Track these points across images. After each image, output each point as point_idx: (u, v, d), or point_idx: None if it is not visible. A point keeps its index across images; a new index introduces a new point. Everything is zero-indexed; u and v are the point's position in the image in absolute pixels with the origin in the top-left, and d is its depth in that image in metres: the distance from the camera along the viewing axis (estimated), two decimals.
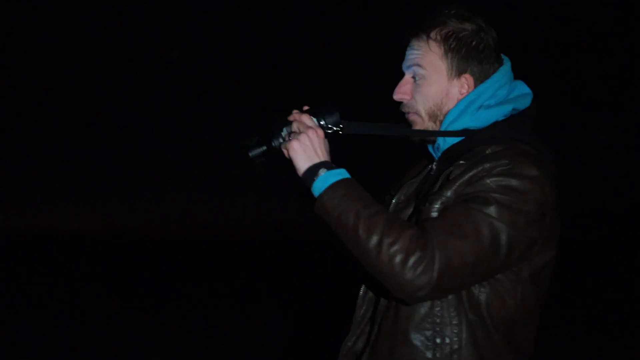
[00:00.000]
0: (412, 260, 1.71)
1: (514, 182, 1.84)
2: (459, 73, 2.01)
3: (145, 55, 14.57)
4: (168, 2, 14.47)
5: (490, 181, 1.84)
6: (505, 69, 2.07)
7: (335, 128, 2.08)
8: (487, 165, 1.86)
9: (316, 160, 1.93)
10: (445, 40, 1.99)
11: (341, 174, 1.90)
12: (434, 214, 1.83)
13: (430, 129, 2.04)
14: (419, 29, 2.02)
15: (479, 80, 2.02)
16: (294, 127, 1.99)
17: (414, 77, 2.03)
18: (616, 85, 13.75)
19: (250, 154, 2.12)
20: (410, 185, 2.18)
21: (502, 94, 2.05)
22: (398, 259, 1.72)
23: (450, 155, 2.02)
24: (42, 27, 14.16)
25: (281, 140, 2.05)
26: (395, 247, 1.73)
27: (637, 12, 13.44)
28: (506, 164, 1.86)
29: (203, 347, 6.90)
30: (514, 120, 2.03)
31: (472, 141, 2.00)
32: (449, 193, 1.86)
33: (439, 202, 1.85)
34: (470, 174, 1.86)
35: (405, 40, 2.08)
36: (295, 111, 2.03)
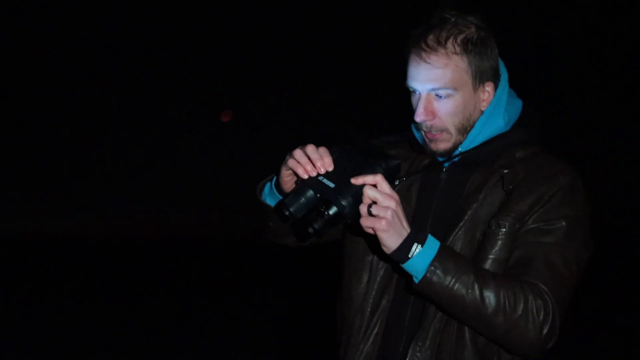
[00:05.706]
0: (545, 329, 1.79)
1: (578, 200, 1.92)
2: (482, 82, 1.95)
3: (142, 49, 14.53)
4: None
5: (557, 203, 1.88)
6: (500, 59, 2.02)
7: (398, 181, 1.84)
8: (547, 186, 1.89)
9: (404, 233, 1.75)
10: (464, 51, 1.89)
11: (433, 245, 1.79)
12: (501, 241, 1.88)
13: (459, 142, 1.98)
14: (434, 42, 1.88)
15: (496, 82, 1.99)
16: (371, 196, 1.72)
17: (437, 95, 1.91)
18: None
19: (314, 227, 1.73)
20: (411, 193, 2.08)
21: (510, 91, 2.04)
22: (531, 328, 1.78)
23: (471, 160, 2.00)
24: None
25: (348, 210, 1.72)
26: (524, 318, 1.77)
27: (638, 12, 13.47)
28: (563, 180, 1.90)
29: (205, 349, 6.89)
30: (528, 118, 2.04)
31: (495, 145, 1.99)
32: (512, 214, 1.88)
33: (507, 226, 1.88)
34: (533, 196, 1.88)
35: (410, 54, 1.93)
36: (364, 177, 1.74)
